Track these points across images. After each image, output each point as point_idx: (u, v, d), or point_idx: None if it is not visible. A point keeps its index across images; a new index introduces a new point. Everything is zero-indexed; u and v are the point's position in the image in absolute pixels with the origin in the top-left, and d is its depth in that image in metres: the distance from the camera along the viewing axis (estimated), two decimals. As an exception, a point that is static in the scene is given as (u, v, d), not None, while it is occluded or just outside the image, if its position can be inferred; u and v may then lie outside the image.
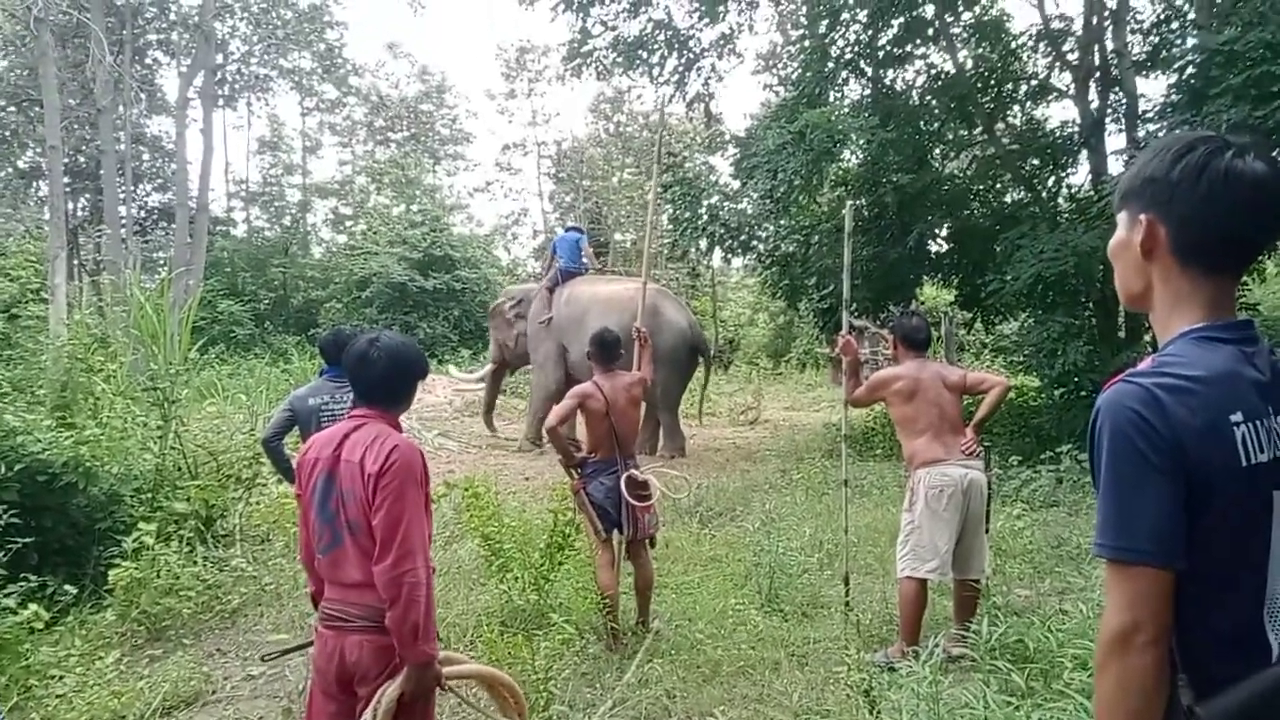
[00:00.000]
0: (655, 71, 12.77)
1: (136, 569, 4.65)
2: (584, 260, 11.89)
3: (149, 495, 5.74)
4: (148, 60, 25.37)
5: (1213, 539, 1.13)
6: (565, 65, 13.38)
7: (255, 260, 25.52)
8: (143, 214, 26.43)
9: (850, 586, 4.80)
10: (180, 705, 3.87)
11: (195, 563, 5.26)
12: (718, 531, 6.75)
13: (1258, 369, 1.20)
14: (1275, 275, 13.82)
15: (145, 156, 26.27)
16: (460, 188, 41.46)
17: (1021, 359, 10.37)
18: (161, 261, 24.25)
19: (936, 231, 11.37)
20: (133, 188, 24.10)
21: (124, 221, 21.07)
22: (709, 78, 13.07)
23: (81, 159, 23.82)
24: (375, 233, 25.83)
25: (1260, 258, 9.39)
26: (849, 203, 5.48)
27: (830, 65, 11.00)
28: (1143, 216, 1.24)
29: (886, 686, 3.37)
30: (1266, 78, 7.12)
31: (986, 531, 4.34)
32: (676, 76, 12.81)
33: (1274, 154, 1.22)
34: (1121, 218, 1.30)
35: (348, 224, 32.24)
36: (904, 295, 11.63)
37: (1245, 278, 9.71)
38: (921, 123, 11.00)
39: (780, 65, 19.53)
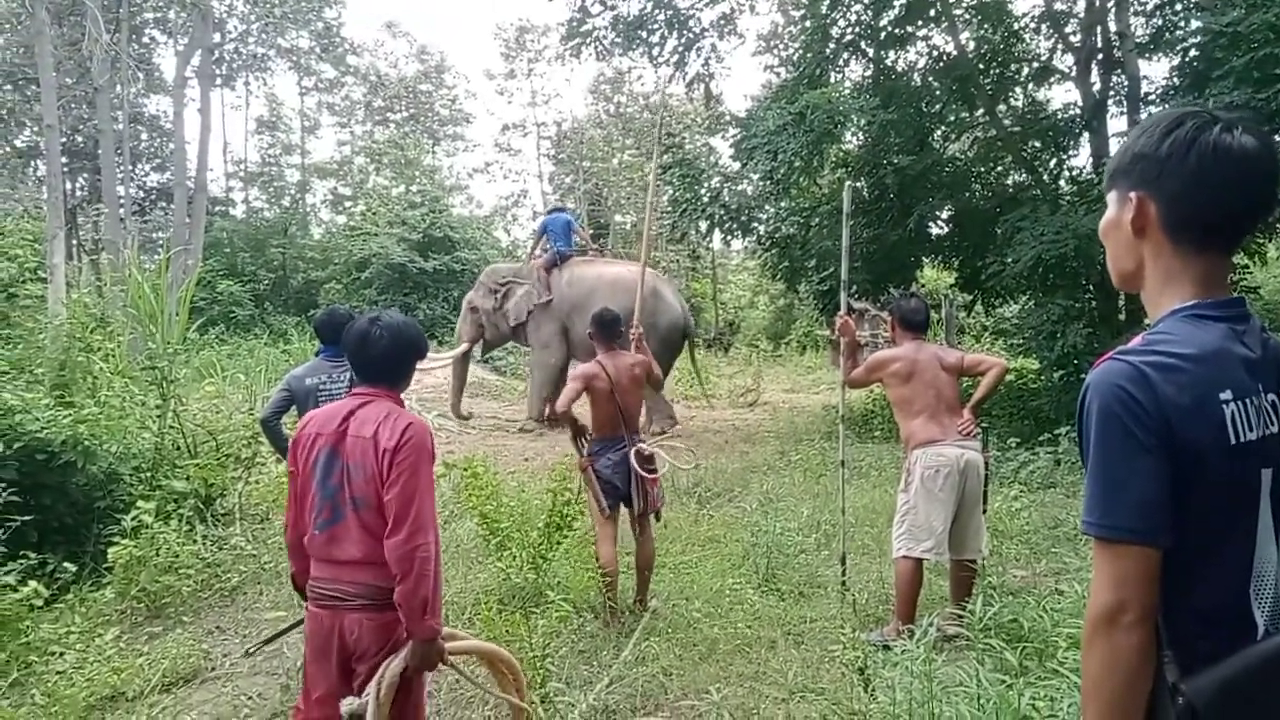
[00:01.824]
0: (655, 52, 12.68)
1: (136, 547, 4.67)
2: (576, 240, 11.88)
3: (148, 474, 5.74)
4: (145, 39, 25.20)
5: (1200, 516, 1.13)
6: (565, 45, 13.29)
7: (254, 241, 25.43)
8: (141, 194, 26.36)
9: (847, 566, 4.82)
10: (179, 682, 3.90)
11: (194, 541, 5.29)
12: (716, 512, 6.77)
13: (1248, 346, 1.19)
14: (1276, 259, 13.77)
15: (143, 136, 26.18)
16: (459, 168, 41.47)
17: (1021, 341, 10.39)
18: (160, 241, 24.26)
19: (937, 213, 11.32)
20: (131, 167, 24.00)
21: (122, 201, 20.98)
22: (709, 58, 12.98)
23: (79, 138, 23.71)
24: (374, 213, 25.78)
25: (1262, 240, 9.43)
26: (847, 184, 5.45)
27: (831, 46, 10.93)
28: (1133, 194, 1.23)
29: (881, 665, 3.39)
30: (1270, 60, 7.09)
31: (984, 512, 4.35)
32: (676, 57, 12.71)
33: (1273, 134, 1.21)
34: (1112, 197, 1.29)
35: (347, 205, 32.22)
36: (904, 277, 11.59)
37: (1246, 260, 9.78)
38: (923, 104, 10.93)
39: (781, 46, 19.40)
